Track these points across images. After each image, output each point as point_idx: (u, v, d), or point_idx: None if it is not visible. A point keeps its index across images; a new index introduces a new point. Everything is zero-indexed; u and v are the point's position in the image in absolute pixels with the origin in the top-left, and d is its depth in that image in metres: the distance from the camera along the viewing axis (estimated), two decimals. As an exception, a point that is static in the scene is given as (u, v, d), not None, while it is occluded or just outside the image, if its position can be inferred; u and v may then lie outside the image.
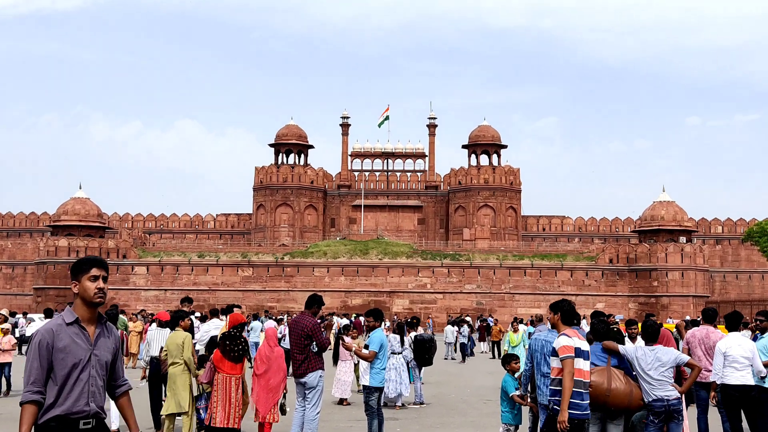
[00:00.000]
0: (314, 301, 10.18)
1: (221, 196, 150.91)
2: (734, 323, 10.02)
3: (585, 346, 6.93)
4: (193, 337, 12.28)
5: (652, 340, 8.29)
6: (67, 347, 4.05)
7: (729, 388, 9.65)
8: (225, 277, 60.34)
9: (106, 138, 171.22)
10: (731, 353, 9.61)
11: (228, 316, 10.93)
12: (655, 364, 7.88)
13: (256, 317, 36.15)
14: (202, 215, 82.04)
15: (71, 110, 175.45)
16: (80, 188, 65.01)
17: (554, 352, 6.97)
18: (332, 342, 33.10)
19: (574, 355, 6.79)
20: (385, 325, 35.06)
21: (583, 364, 6.85)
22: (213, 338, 13.29)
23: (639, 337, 11.04)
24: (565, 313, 7.12)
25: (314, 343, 9.95)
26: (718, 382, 9.74)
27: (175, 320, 11.43)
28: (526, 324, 31.67)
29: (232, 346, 9.81)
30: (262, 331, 26.59)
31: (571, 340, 6.85)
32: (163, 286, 60.00)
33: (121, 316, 23.71)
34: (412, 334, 18.43)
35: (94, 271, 4.18)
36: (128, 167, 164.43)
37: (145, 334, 19.16)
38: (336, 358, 14.09)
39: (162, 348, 11.58)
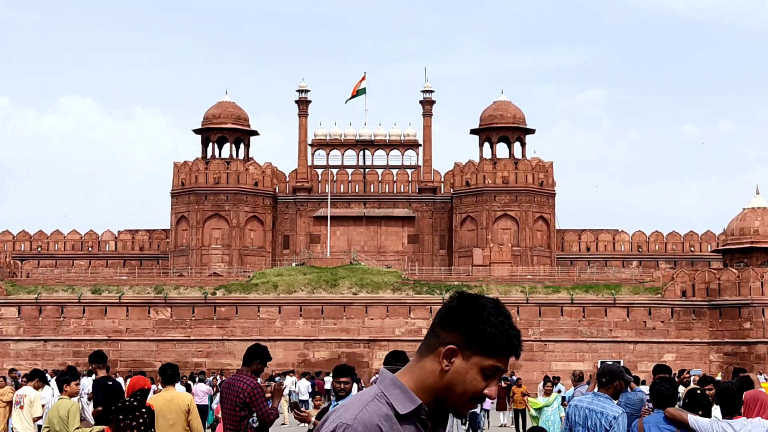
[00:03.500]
0: (256, 355, 10.16)
1: (125, 205, 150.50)
2: None
3: None
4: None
5: (730, 411, 8.22)
6: None
7: None
8: (131, 321, 60.00)
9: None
10: None
11: (128, 380, 11.03)
12: None
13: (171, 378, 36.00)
14: (97, 232, 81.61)
15: None
16: None
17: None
18: (285, 412, 33.01)
19: None
20: (361, 387, 34.99)
21: None
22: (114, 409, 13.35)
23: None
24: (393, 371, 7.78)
25: (254, 414, 9.90)
26: None
27: (58, 384, 11.61)
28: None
29: (128, 422, 9.75)
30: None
31: None
32: (42, 334, 59.55)
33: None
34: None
35: (504, 362, 3.41)
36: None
37: (15, 404, 19.01)
38: None
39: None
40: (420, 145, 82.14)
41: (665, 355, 57.39)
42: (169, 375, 12.07)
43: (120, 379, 25.03)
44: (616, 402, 9.07)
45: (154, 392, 32.70)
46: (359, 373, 47.08)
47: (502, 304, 3.46)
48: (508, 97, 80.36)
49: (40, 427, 16.44)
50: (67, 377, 11.99)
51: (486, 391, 3.35)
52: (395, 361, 10.13)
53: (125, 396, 10.41)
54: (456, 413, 3.45)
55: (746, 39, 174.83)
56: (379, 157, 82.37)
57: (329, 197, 78.92)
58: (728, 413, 8.23)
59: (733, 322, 58.38)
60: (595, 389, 9.76)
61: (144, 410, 9.87)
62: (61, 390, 11.84)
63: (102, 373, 14.69)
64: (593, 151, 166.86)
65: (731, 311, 58.57)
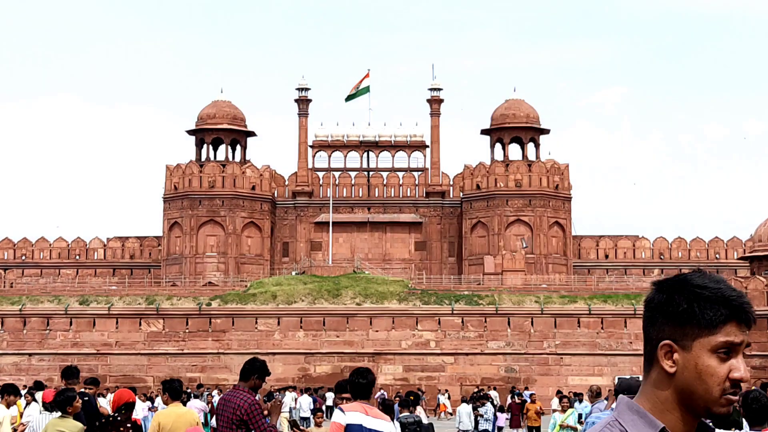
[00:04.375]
0: (254, 369, 10.16)
1: (115, 211, 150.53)
2: None
3: (373, 423, 8.24)
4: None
5: (758, 421, 8.28)
6: None
7: None
8: (121, 333, 60.00)
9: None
10: None
11: (112, 395, 11.10)
12: None
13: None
14: (85, 240, 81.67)
15: None
16: None
17: None
18: (285, 431, 33.02)
19: None
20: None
21: None
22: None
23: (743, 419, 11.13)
24: (354, 386, 8.60)
25: (252, 432, 9.93)
26: None
27: (62, 403, 11.57)
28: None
29: None
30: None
31: (345, 416, 8.18)
32: (27, 348, 59.59)
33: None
34: (404, 415, 18.57)
35: (733, 332, 2.91)
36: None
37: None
38: None
39: None
40: (427, 146, 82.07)
41: (689, 369, 57.31)
42: (177, 390, 12.24)
43: (110, 396, 25.09)
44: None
45: (150, 409, 32.82)
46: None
47: (707, 272, 2.98)
48: (522, 95, 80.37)
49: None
50: (69, 395, 11.95)
51: (733, 375, 2.86)
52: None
53: (105, 410, 10.41)
54: (715, 417, 2.94)
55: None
56: (384, 159, 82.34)
57: (331, 202, 78.86)
58: (756, 423, 8.22)
59: (762, 333, 58.31)
60: (614, 406, 9.80)
61: (129, 425, 9.90)
62: (64, 409, 11.76)
63: (76, 390, 14.77)
64: (612, 153, 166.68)
65: (760, 322, 58.44)
